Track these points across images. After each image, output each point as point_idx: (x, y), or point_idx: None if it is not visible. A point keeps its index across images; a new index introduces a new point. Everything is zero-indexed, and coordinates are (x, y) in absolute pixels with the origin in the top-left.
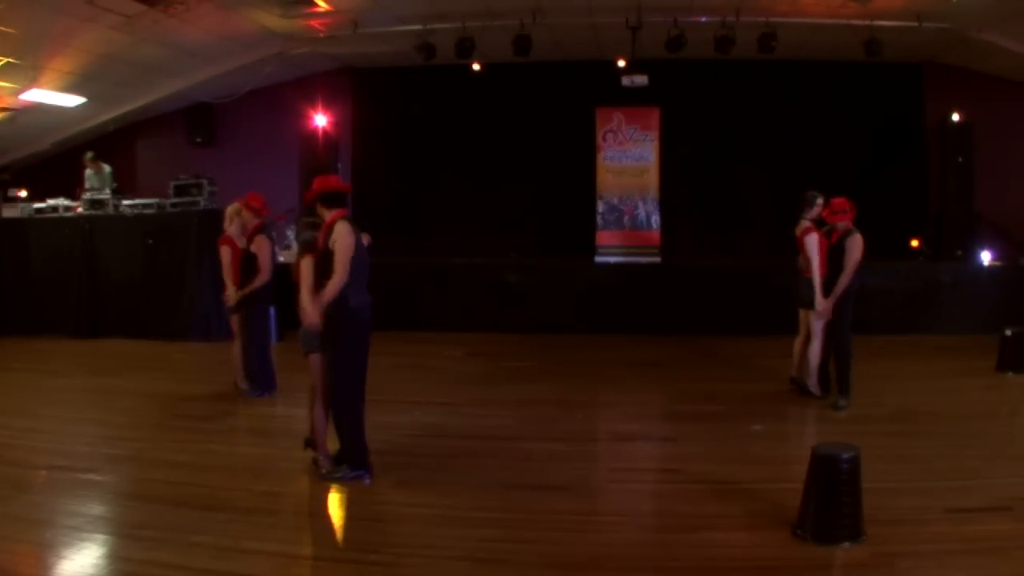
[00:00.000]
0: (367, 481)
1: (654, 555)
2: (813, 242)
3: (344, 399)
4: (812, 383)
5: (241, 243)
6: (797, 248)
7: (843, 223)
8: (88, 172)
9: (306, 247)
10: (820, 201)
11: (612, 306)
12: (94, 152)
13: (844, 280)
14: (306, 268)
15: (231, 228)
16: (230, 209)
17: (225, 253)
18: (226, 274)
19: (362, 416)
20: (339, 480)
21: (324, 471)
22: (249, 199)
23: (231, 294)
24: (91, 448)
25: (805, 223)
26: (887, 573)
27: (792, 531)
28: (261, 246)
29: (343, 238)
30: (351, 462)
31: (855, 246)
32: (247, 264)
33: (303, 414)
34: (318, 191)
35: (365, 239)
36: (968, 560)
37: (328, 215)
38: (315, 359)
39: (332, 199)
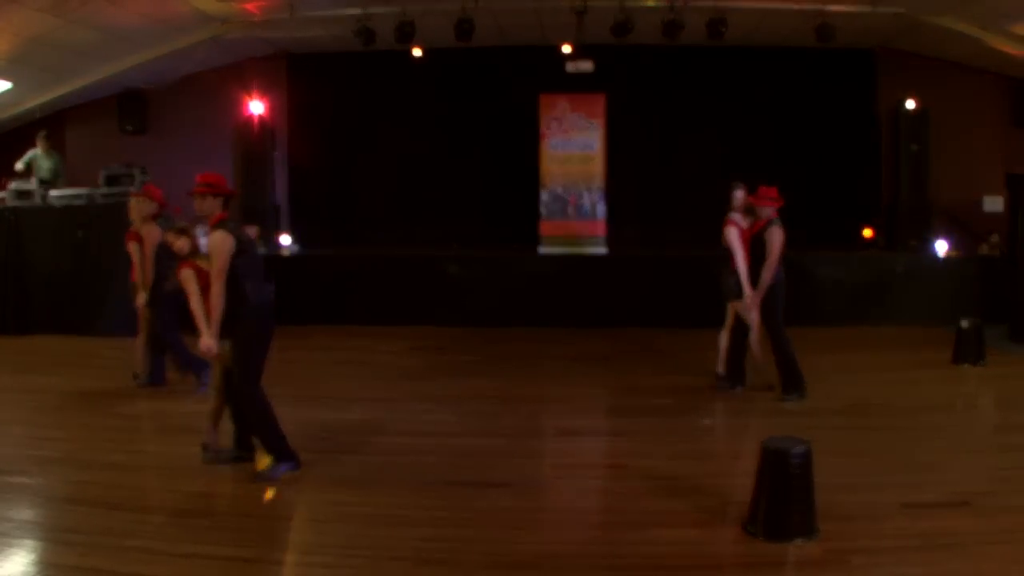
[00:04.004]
0: (295, 469)
1: (601, 553)
2: (733, 234)
3: (251, 396)
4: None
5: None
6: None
7: (767, 210)
8: (37, 152)
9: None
10: (739, 193)
11: (556, 298)
12: (47, 131)
13: (766, 276)
14: (189, 281)
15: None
16: (132, 201)
17: (133, 250)
18: (136, 273)
19: (271, 408)
20: (272, 478)
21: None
22: (148, 190)
23: (141, 296)
24: (18, 449)
25: (729, 216)
26: (841, 570)
27: (743, 527)
28: (147, 235)
29: (215, 245)
30: (275, 456)
31: (774, 239)
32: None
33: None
34: (215, 188)
35: (252, 231)
36: (924, 556)
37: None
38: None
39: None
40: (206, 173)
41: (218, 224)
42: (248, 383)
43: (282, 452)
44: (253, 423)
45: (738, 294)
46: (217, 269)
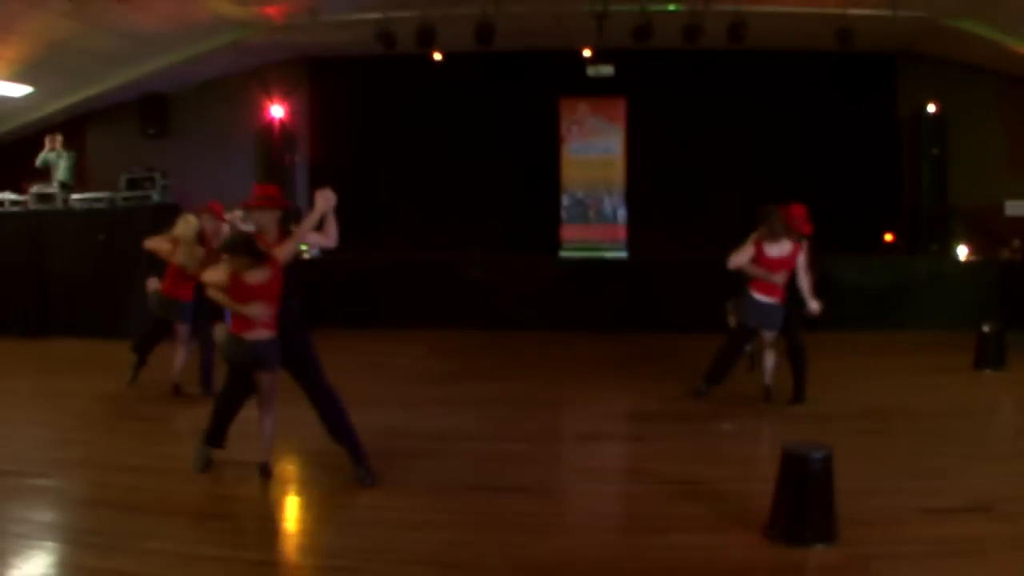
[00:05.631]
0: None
1: (621, 558)
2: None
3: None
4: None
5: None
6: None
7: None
8: (50, 154)
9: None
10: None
11: (576, 302)
12: (63, 135)
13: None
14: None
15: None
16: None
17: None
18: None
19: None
20: (369, 484)
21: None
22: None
23: None
24: (39, 452)
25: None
26: (861, 575)
27: (763, 532)
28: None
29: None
30: (364, 462)
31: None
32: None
33: (257, 415)
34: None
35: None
36: (945, 562)
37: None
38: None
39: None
40: (265, 185)
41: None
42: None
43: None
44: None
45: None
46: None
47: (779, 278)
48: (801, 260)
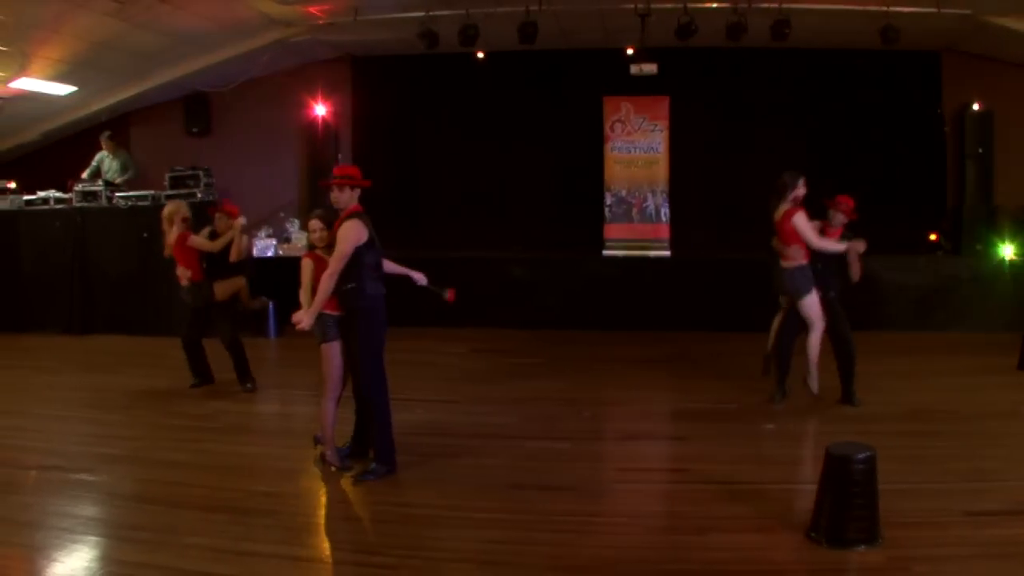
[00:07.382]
0: (392, 473)
1: (662, 558)
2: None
3: (374, 393)
4: (812, 379)
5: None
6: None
7: (840, 217)
8: (103, 154)
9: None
10: (801, 181)
11: (620, 301)
12: (111, 132)
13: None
14: (305, 270)
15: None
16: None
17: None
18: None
19: (390, 411)
20: (369, 479)
21: (353, 473)
22: (225, 205)
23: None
24: (83, 447)
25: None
26: None
27: (805, 534)
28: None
29: (346, 231)
30: (382, 459)
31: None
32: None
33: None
34: (354, 180)
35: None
36: (988, 565)
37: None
38: (326, 349)
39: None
40: (343, 166)
41: (353, 214)
42: (373, 380)
43: (390, 459)
44: (375, 422)
45: (795, 293)
46: (340, 254)
47: (789, 250)
48: (803, 225)
